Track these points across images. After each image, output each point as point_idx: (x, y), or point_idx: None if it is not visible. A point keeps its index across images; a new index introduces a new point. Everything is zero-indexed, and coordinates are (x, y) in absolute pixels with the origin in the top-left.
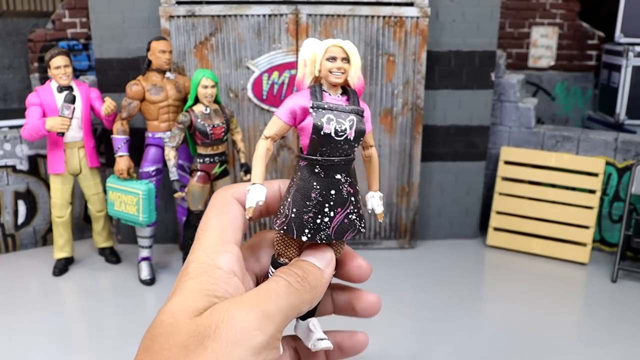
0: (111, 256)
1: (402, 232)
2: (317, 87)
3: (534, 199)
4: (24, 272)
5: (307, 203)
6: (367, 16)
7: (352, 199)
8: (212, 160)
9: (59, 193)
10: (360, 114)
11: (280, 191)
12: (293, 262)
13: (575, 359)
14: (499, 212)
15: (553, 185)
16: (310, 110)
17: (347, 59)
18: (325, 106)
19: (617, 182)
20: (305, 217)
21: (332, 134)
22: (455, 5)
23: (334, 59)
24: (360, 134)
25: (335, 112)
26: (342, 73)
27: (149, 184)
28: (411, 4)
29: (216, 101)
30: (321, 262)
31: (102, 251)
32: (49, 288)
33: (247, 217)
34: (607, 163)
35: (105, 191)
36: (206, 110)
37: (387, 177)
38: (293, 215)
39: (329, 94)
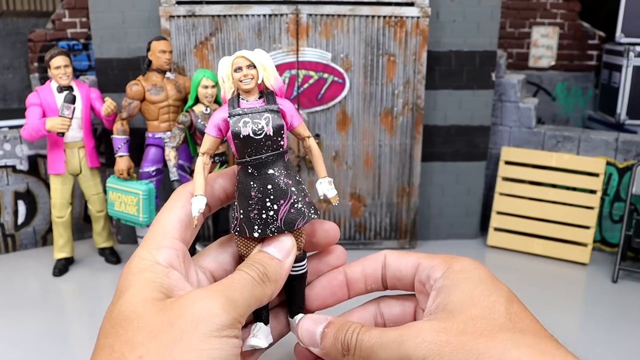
0: (111, 256)
1: (402, 232)
2: (235, 98)
3: (535, 199)
4: (24, 272)
5: (250, 202)
6: (367, 16)
7: (293, 189)
8: (212, 160)
9: (59, 193)
10: (275, 110)
11: (235, 173)
12: (254, 254)
13: None
14: (499, 213)
15: (554, 186)
16: (228, 119)
17: (252, 66)
18: (240, 112)
19: (618, 182)
20: (252, 215)
21: (251, 135)
22: (455, 5)
23: (240, 68)
24: (278, 128)
25: (250, 115)
26: (251, 79)
27: (149, 184)
28: (412, 4)
29: (216, 101)
30: (281, 252)
31: (102, 251)
32: (49, 288)
33: (194, 225)
34: (608, 163)
35: (105, 191)
36: (206, 110)
37: (387, 177)
38: (241, 216)
39: (246, 101)
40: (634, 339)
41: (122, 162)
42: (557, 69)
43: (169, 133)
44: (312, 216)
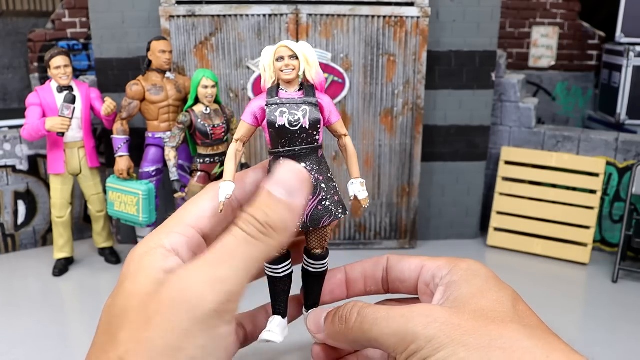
0: (111, 256)
1: (402, 233)
2: (274, 87)
3: (535, 199)
4: (24, 272)
5: None
6: (367, 16)
7: (323, 185)
8: (212, 160)
9: (59, 193)
10: (313, 104)
11: (266, 168)
12: (255, 200)
13: None
14: (499, 213)
15: (554, 186)
16: (265, 107)
17: (294, 57)
18: (278, 101)
19: (618, 182)
20: None
21: (287, 125)
22: (455, 5)
23: (282, 58)
24: (315, 122)
25: (287, 105)
26: (292, 70)
27: (149, 184)
28: (411, 4)
29: (216, 101)
30: (287, 188)
31: (102, 251)
32: (49, 288)
33: (219, 211)
34: (608, 163)
35: (105, 191)
36: (206, 110)
37: (387, 177)
38: None
39: (285, 91)
40: (634, 339)
41: (122, 162)
42: (557, 69)
43: (168, 133)
44: (339, 215)
